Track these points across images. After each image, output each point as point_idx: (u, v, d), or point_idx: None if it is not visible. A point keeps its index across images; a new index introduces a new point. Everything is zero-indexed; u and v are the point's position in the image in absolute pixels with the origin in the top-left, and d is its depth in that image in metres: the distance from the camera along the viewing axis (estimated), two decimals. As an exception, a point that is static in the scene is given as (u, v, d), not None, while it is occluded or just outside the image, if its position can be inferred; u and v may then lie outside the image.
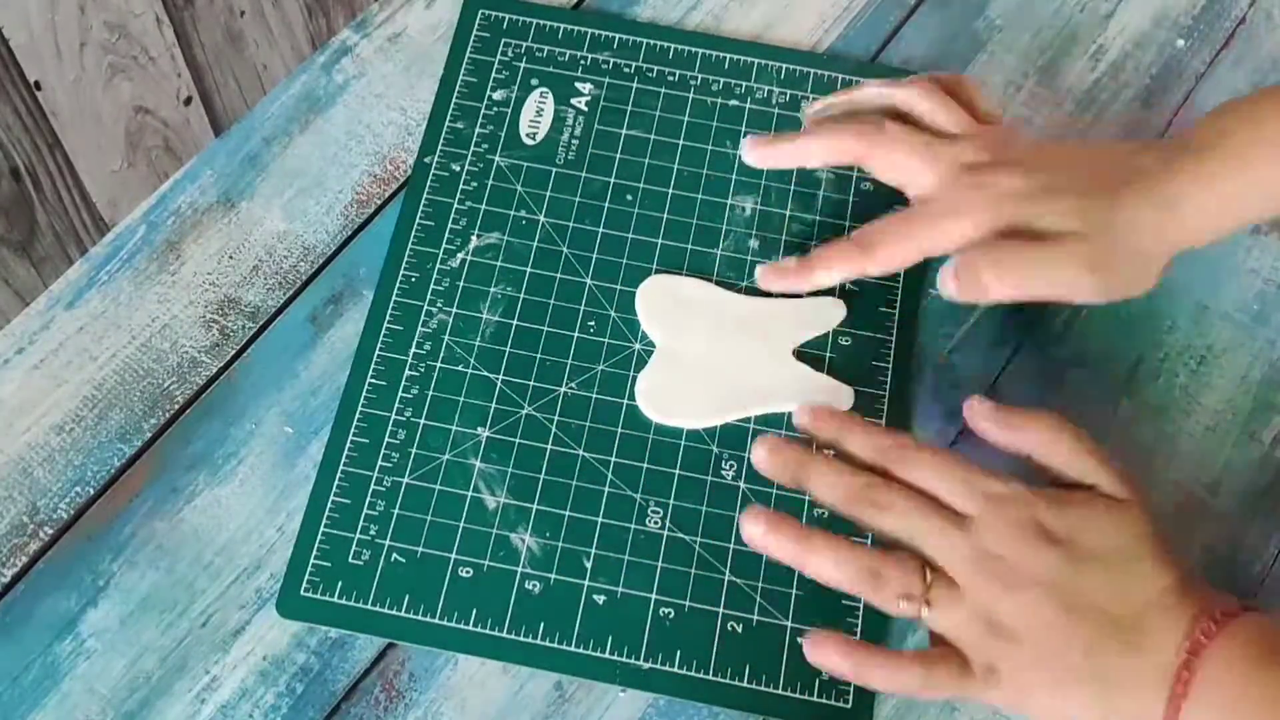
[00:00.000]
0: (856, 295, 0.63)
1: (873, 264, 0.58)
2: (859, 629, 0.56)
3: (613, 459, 0.59)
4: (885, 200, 0.64)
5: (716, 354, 0.61)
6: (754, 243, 0.64)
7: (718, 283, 0.63)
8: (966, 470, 0.52)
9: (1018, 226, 0.56)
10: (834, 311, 0.62)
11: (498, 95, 0.67)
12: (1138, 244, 0.56)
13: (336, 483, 0.58)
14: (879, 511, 0.51)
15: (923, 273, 0.63)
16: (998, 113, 0.62)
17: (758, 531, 0.52)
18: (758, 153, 0.62)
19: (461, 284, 0.62)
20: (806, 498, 0.53)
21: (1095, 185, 0.56)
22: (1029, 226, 0.56)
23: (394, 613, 0.56)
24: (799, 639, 0.55)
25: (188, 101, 0.63)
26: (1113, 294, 0.57)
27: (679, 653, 0.56)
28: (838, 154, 0.61)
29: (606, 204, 0.65)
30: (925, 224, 0.58)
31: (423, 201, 0.64)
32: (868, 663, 0.50)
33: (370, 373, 0.60)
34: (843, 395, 0.60)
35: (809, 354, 0.61)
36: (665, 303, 0.62)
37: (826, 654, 0.50)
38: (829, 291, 0.62)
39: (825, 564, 0.51)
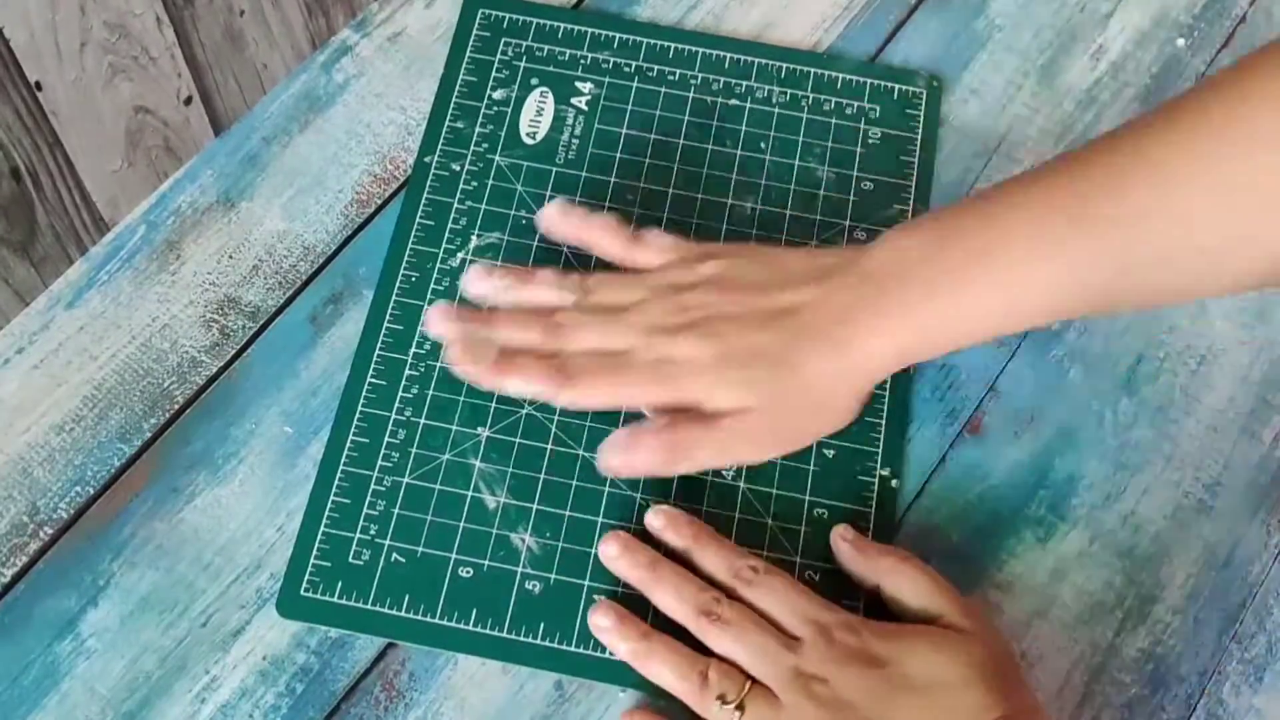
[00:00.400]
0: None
1: (567, 397, 0.57)
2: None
3: (613, 459, 0.59)
4: (885, 200, 0.64)
5: None
6: (753, 240, 0.64)
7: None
8: (806, 599, 0.54)
9: (692, 404, 0.56)
10: None
11: (498, 95, 0.67)
12: (820, 396, 0.56)
13: (336, 482, 0.58)
14: (720, 627, 0.53)
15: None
16: (662, 246, 0.60)
17: (605, 624, 0.55)
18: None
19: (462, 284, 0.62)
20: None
21: (768, 342, 0.55)
22: (702, 405, 0.56)
23: (394, 613, 0.56)
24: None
25: (188, 101, 0.63)
26: (797, 445, 0.58)
27: (679, 652, 0.56)
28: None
29: (606, 204, 0.65)
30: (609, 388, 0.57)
31: (423, 201, 0.64)
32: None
33: (370, 372, 0.60)
34: None
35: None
36: None
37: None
38: None
39: (659, 668, 0.53)
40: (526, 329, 0.57)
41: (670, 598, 0.54)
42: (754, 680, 0.52)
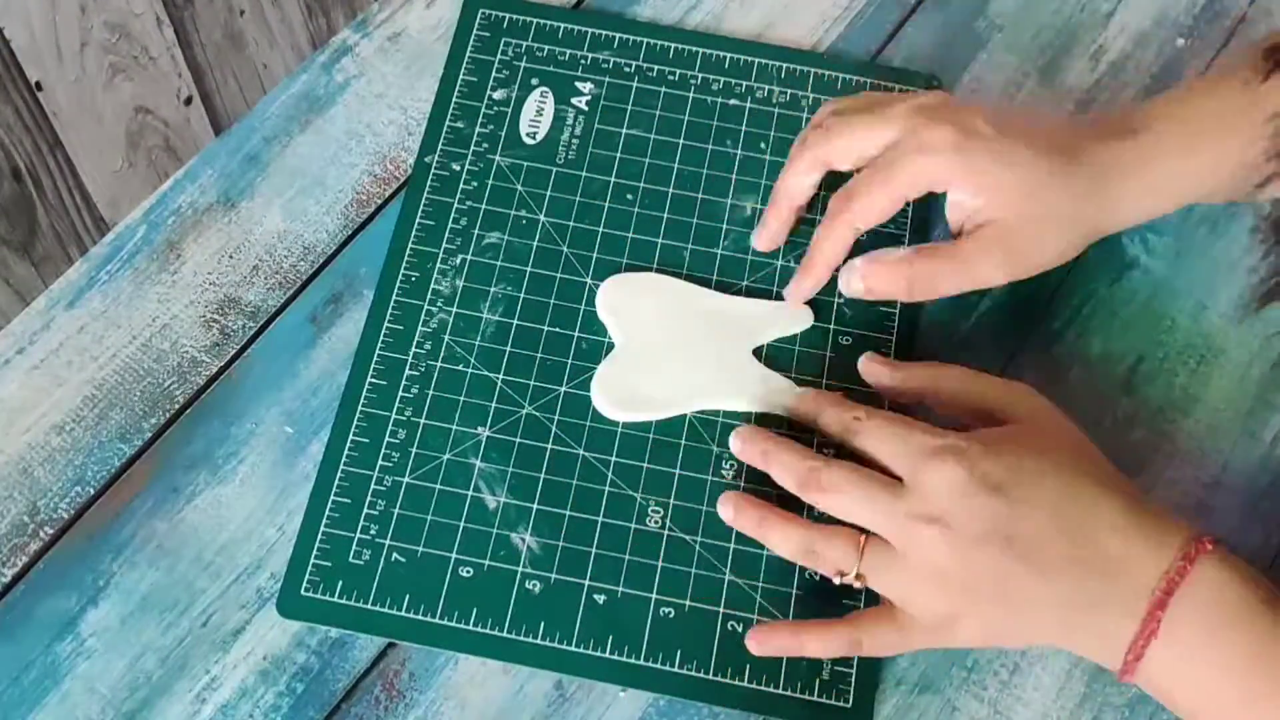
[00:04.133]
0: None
1: (855, 219, 0.59)
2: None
3: (613, 458, 0.59)
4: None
5: (674, 349, 0.61)
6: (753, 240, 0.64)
7: (687, 277, 0.63)
8: (907, 429, 0.54)
9: (978, 174, 0.58)
10: (802, 315, 0.62)
11: (498, 95, 0.67)
12: (1071, 217, 0.58)
13: (337, 482, 0.58)
14: (822, 494, 0.54)
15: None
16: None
17: (728, 512, 0.56)
18: (761, 239, 0.64)
19: (462, 283, 0.62)
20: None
21: (1052, 150, 0.58)
22: (978, 190, 0.58)
23: (394, 612, 0.56)
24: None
25: (188, 101, 0.63)
26: (1027, 273, 0.59)
27: (679, 652, 0.56)
28: (807, 173, 0.61)
29: (607, 203, 0.65)
30: (893, 167, 0.58)
31: (423, 201, 0.64)
32: (803, 634, 0.54)
33: (370, 372, 0.60)
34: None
35: (809, 354, 0.61)
36: (627, 297, 0.62)
37: (767, 646, 0.55)
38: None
39: (777, 540, 0.55)
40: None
41: (781, 472, 0.56)
42: (867, 538, 0.53)
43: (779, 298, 0.62)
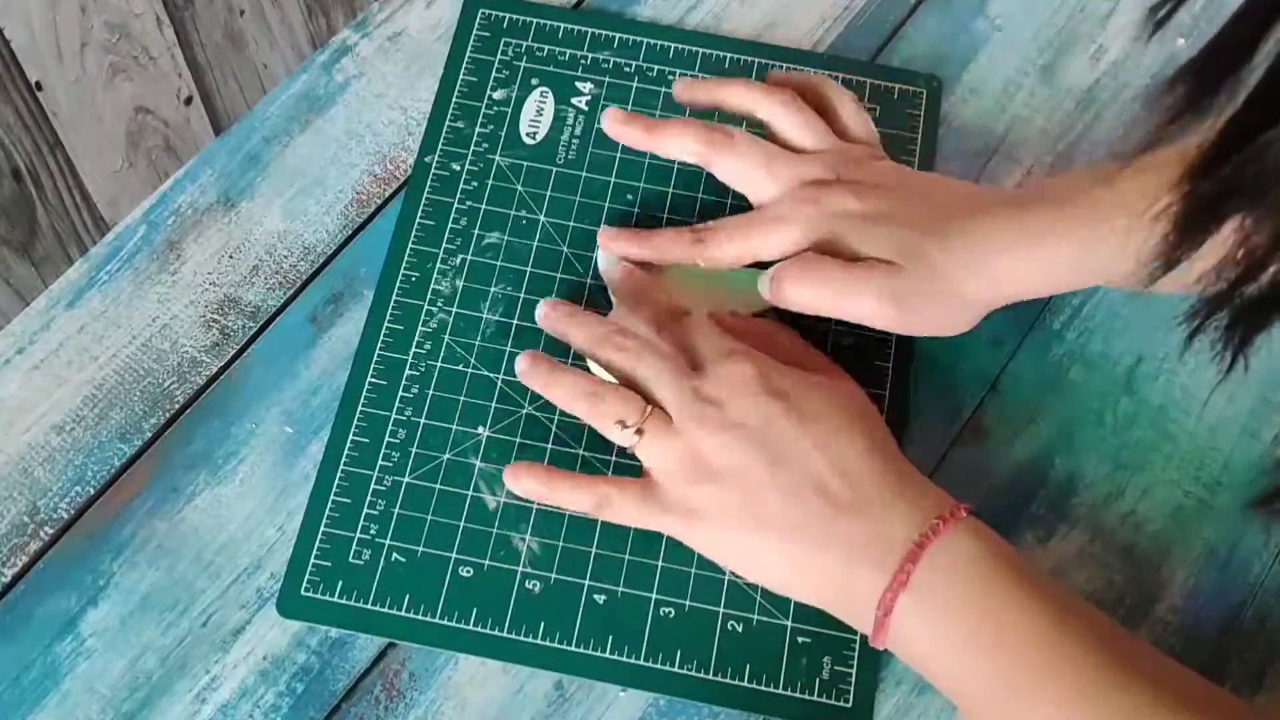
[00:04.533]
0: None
1: (700, 256, 0.60)
2: (856, 642, 0.56)
3: (613, 458, 0.59)
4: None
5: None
6: (754, 242, 0.64)
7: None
8: (717, 334, 0.57)
9: (840, 247, 0.58)
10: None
11: (498, 95, 0.67)
12: (954, 288, 0.57)
13: (337, 482, 0.58)
14: (616, 351, 0.56)
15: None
16: (866, 134, 0.62)
17: (524, 366, 0.57)
18: (614, 127, 0.62)
19: (462, 283, 0.62)
20: None
21: (927, 221, 0.58)
22: (850, 249, 0.57)
23: (394, 612, 0.56)
24: (799, 638, 0.56)
25: (188, 101, 0.63)
26: (918, 330, 0.59)
27: (679, 652, 0.56)
28: (685, 153, 0.61)
29: (607, 204, 0.65)
30: (756, 228, 0.59)
31: (423, 201, 0.64)
32: (559, 481, 0.55)
33: (370, 372, 0.60)
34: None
35: (809, 354, 0.61)
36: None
37: (520, 479, 0.56)
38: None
39: (555, 388, 0.56)
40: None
41: (578, 333, 0.58)
42: (655, 406, 0.55)
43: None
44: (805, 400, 0.54)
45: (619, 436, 0.55)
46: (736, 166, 0.60)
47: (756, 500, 0.53)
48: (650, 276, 0.60)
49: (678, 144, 0.61)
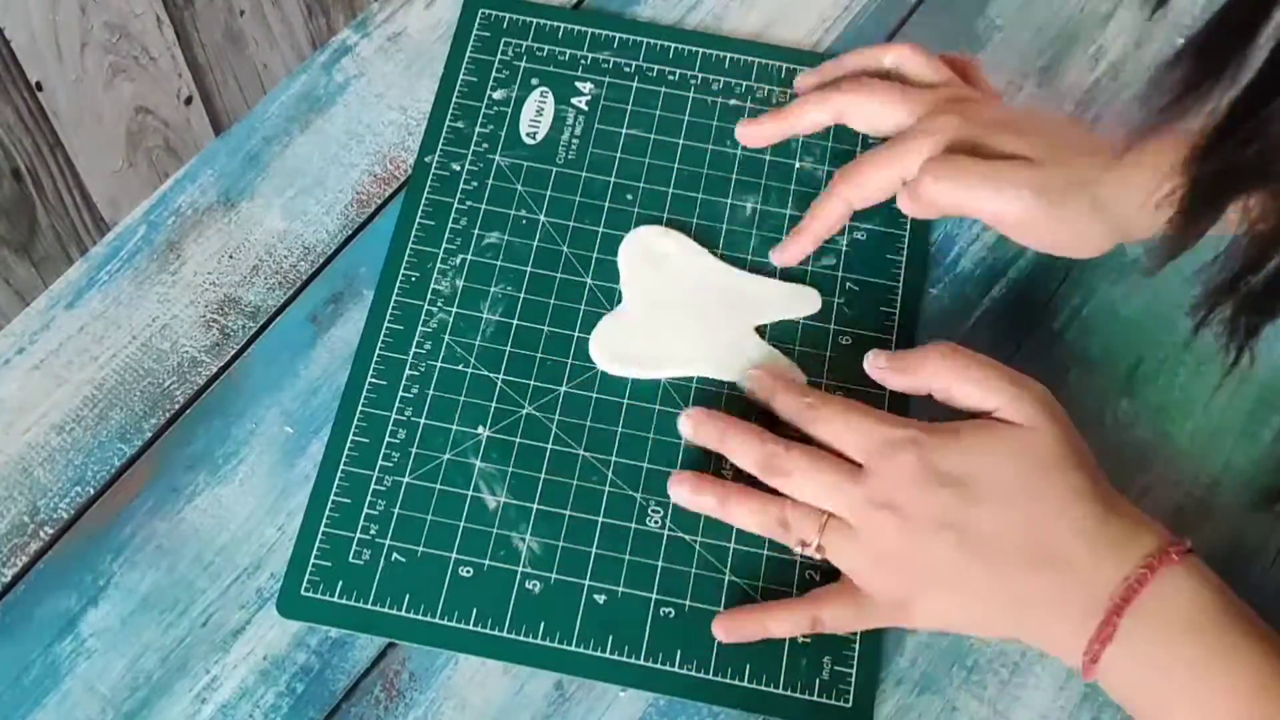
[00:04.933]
0: (856, 294, 0.63)
1: (851, 189, 0.60)
2: (856, 642, 0.56)
3: (613, 458, 0.59)
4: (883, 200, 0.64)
5: (678, 312, 0.62)
6: (754, 242, 0.64)
7: (703, 242, 0.63)
8: (864, 419, 0.55)
9: (984, 148, 0.58)
10: (810, 298, 0.62)
11: (498, 95, 0.67)
12: (1091, 200, 0.57)
13: (337, 482, 0.58)
14: (785, 477, 0.55)
15: (923, 274, 0.63)
16: (993, 89, 0.64)
17: (684, 492, 0.57)
18: (749, 131, 0.65)
19: (462, 283, 0.62)
20: None
21: (1068, 142, 0.58)
22: (994, 149, 0.57)
23: (394, 612, 0.56)
24: (799, 638, 0.56)
25: (188, 101, 0.63)
26: (1051, 240, 0.58)
27: (679, 652, 0.56)
28: (820, 113, 0.63)
29: (607, 204, 0.65)
30: (899, 146, 0.59)
31: (423, 201, 0.64)
32: (767, 617, 0.55)
33: (370, 372, 0.60)
34: (795, 375, 0.61)
35: (809, 354, 0.61)
36: (644, 256, 0.63)
37: (735, 634, 0.55)
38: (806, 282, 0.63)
39: (742, 515, 0.56)
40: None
41: (740, 455, 0.56)
42: (830, 514, 0.54)
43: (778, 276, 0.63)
44: (977, 471, 0.52)
45: (802, 551, 0.55)
46: (870, 105, 0.61)
47: (959, 582, 0.52)
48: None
49: (813, 108, 0.63)
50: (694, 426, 0.58)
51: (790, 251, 0.63)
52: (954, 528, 0.52)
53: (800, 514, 0.54)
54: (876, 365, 0.57)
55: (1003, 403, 0.54)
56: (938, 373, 0.55)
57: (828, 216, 0.62)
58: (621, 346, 0.61)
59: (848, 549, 0.54)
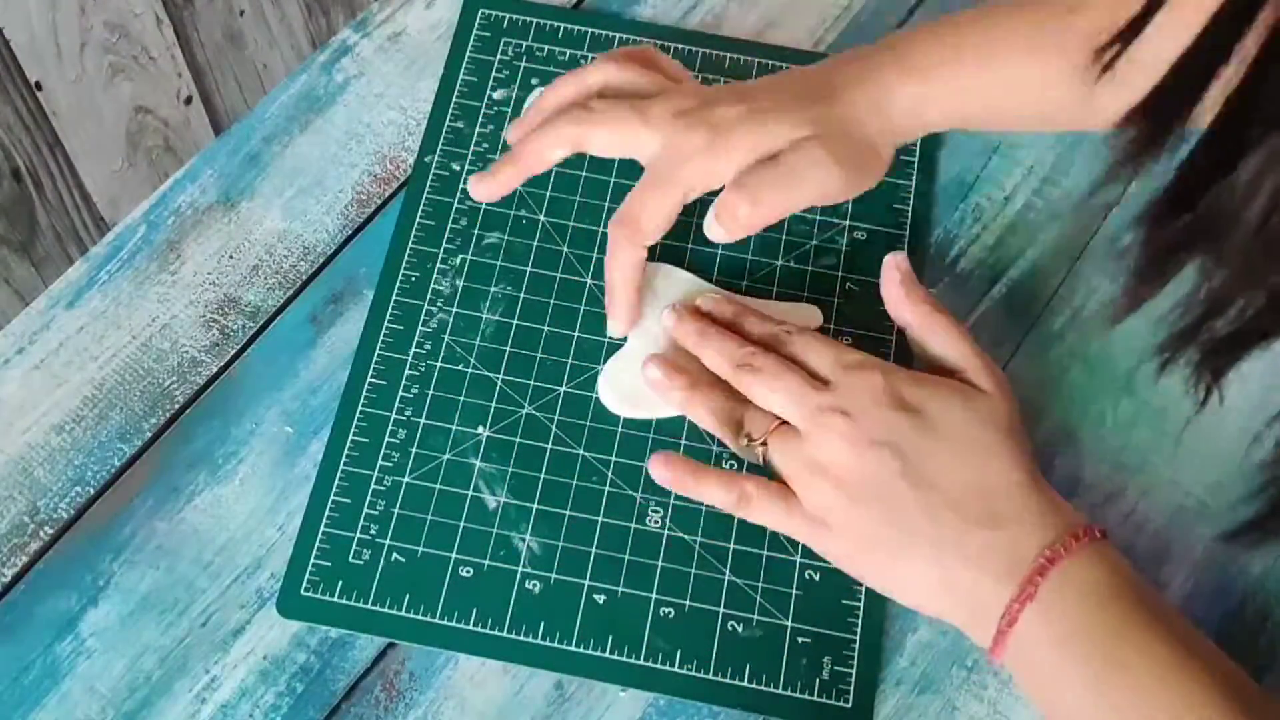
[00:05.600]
0: (856, 295, 0.63)
1: (643, 238, 0.58)
2: (859, 628, 0.56)
3: (613, 458, 0.59)
4: (884, 200, 0.64)
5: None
6: (753, 242, 0.64)
7: (697, 272, 0.63)
8: (835, 347, 0.57)
9: (752, 150, 0.58)
10: (811, 315, 0.62)
11: (498, 95, 0.67)
12: (863, 135, 0.59)
13: (337, 482, 0.58)
14: (753, 375, 0.56)
15: (923, 274, 0.63)
16: (685, 73, 0.63)
17: (658, 375, 0.58)
18: (484, 186, 0.60)
19: (462, 283, 0.62)
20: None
21: (810, 95, 0.59)
22: (763, 150, 0.58)
23: (394, 612, 0.56)
24: (799, 638, 0.56)
25: (188, 101, 0.63)
26: (858, 185, 0.60)
27: (679, 652, 0.56)
28: (557, 147, 0.59)
29: (607, 203, 0.65)
30: (666, 178, 0.58)
31: (423, 201, 0.64)
32: (706, 474, 0.56)
33: (370, 372, 0.60)
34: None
35: (809, 354, 0.61)
36: (642, 296, 0.61)
37: (671, 468, 0.56)
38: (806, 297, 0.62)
39: (703, 407, 0.57)
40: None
41: (714, 354, 0.57)
42: (782, 421, 0.55)
43: (784, 297, 0.62)
44: (940, 413, 0.54)
45: (748, 449, 0.56)
46: (610, 131, 0.59)
47: (888, 509, 0.52)
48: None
49: (548, 144, 0.59)
50: (675, 321, 0.59)
51: (619, 318, 0.60)
52: (900, 453, 0.52)
53: (756, 415, 0.56)
54: (897, 266, 0.58)
55: (970, 367, 0.56)
56: (929, 311, 0.57)
57: (627, 271, 0.59)
58: (631, 388, 0.60)
59: (790, 451, 0.54)
